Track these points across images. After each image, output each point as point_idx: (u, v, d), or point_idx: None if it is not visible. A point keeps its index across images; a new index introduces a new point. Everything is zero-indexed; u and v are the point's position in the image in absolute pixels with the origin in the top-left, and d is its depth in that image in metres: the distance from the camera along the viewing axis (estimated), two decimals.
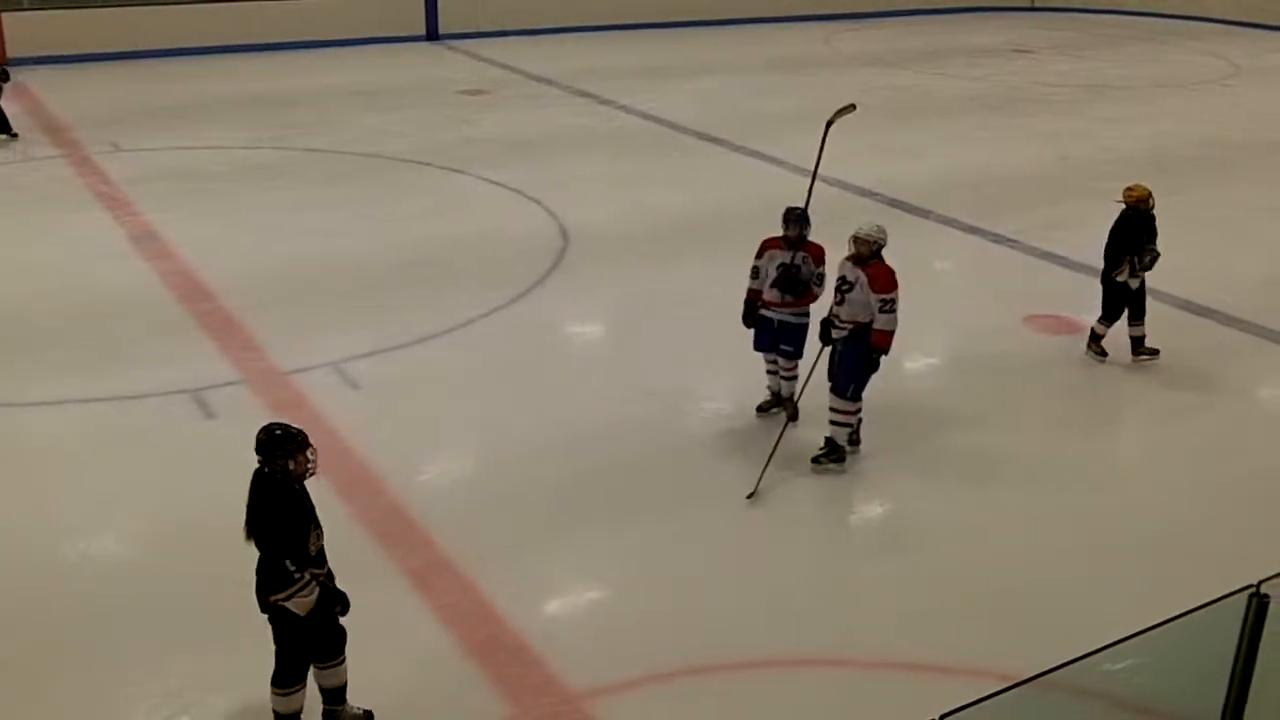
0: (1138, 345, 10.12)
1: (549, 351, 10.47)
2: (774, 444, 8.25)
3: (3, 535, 7.49)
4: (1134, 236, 9.79)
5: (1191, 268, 12.03)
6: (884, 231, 8.29)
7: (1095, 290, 10.19)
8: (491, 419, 9.10)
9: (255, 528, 5.61)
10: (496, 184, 14.93)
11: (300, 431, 5.60)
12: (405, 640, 6.58)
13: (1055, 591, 7.03)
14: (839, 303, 8.27)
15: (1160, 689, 5.26)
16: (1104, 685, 5.89)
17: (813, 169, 8.89)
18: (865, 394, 8.34)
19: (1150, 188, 9.85)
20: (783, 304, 8.75)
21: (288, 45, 23.57)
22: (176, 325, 10.65)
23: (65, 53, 21.83)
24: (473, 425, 9.09)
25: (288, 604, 5.55)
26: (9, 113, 16.58)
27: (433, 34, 25.30)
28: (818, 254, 8.74)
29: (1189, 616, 4.21)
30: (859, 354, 8.20)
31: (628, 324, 11.15)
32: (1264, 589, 4.25)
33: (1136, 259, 9.81)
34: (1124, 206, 9.83)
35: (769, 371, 9.10)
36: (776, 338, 8.89)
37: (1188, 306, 11.34)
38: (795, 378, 8.96)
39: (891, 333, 8.15)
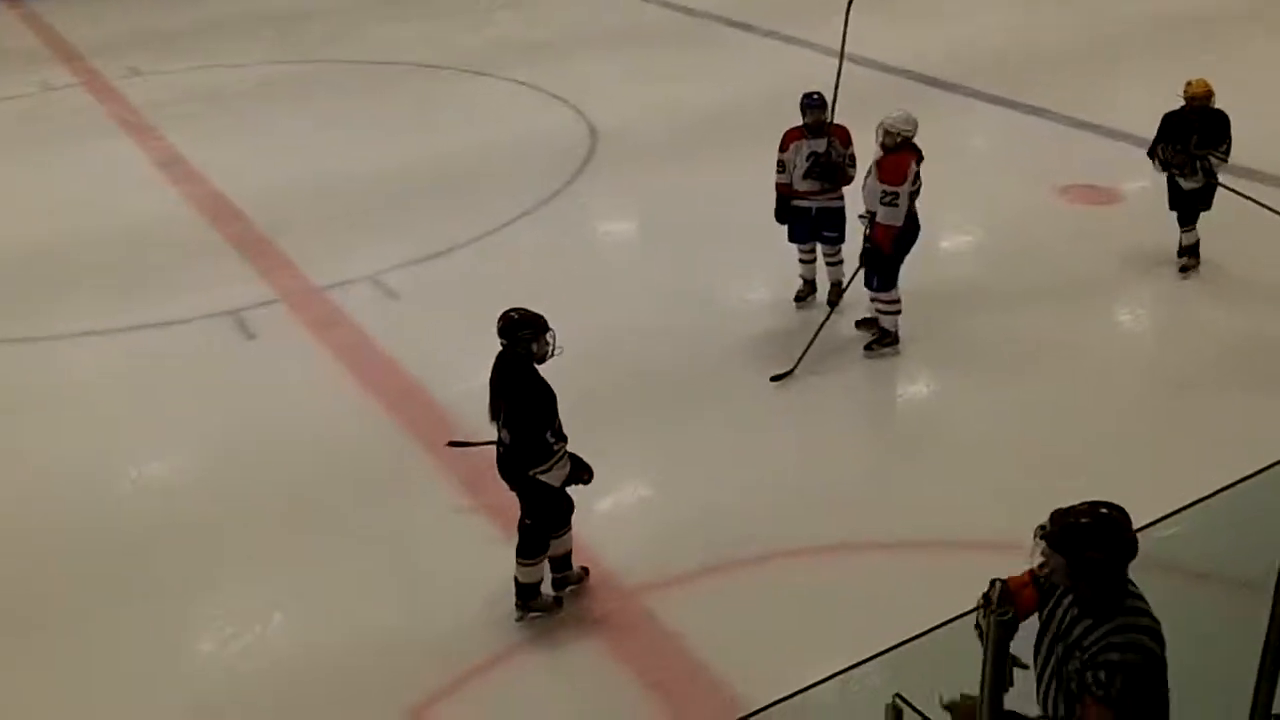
0: (1180, 250, 9.42)
1: (582, 254, 10.43)
2: (815, 331, 8.21)
3: (56, 467, 7.59)
4: (1178, 133, 9.03)
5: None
6: (911, 121, 7.97)
7: (1133, 157, 9.98)
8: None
9: (508, 407, 5.77)
10: (522, 84, 14.77)
11: (540, 315, 5.75)
12: (461, 543, 6.65)
13: (1103, 467, 6.93)
14: (865, 188, 8.15)
15: (1218, 554, 5.26)
16: (1162, 554, 5.92)
17: (839, 51, 8.69)
18: (902, 280, 8.23)
19: (1208, 80, 9.01)
20: (820, 191, 8.65)
21: None
22: (210, 248, 10.67)
23: None
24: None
25: (544, 476, 5.76)
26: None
27: None
28: (843, 136, 8.61)
29: (1239, 486, 4.19)
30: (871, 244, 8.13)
31: (660, 223, 11.06)
32: None
33: (1170, 153, 9.04)
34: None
35: (802, 261, 9.02)
36: (815, 226, 8.80)
37: (1231, 169, 11.14)
38: (841, 262, 8.89)
39: (890, 227, 7.93)
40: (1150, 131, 9.13)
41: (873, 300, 8.30)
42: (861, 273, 8.30)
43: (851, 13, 8.54)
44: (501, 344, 5.79)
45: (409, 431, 7.74)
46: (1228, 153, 9.03)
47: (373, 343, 8.86)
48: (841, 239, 8.81)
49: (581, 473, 5.92)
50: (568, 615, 6.08)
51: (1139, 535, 3.39)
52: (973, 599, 3.62)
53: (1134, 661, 3.46)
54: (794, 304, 9.06)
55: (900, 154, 7.93)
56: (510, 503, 6.03)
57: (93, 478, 7.47)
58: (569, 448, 5.79)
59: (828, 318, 8.43)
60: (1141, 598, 3.59)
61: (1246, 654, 4.48)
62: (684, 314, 9.01)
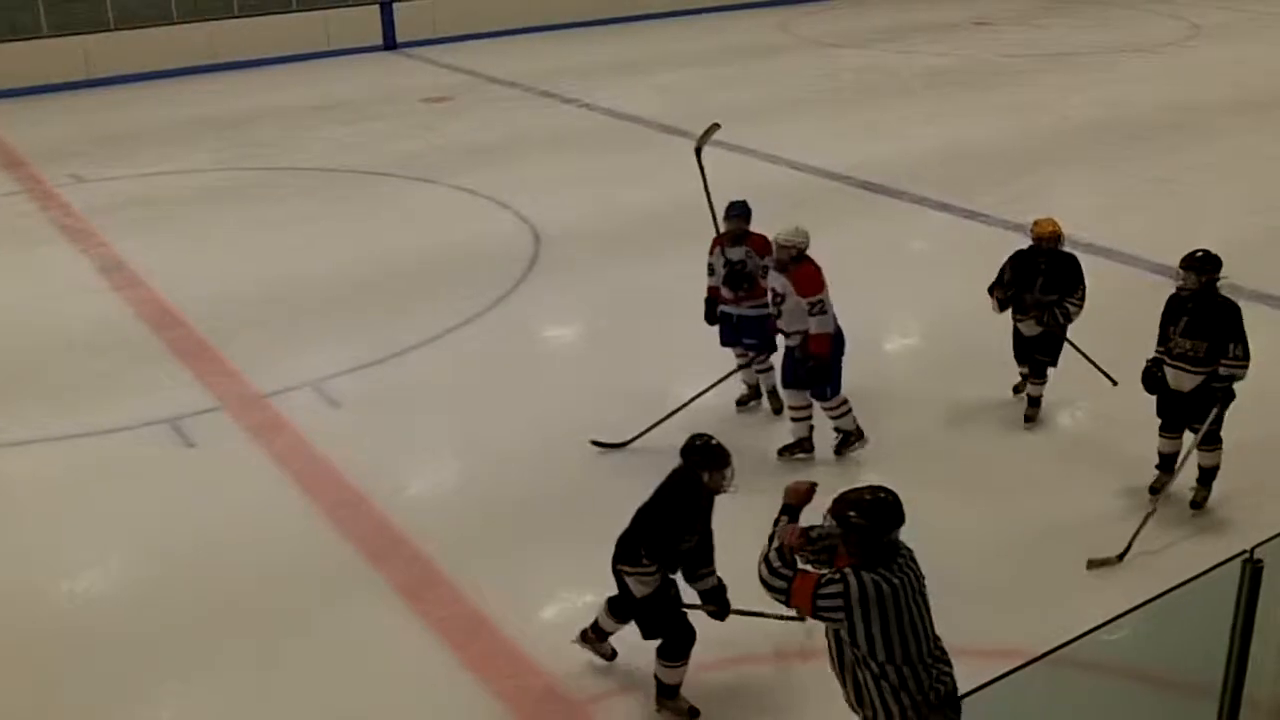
0: (1026, 396, 8.87)
1: (526, 358, 10.42)
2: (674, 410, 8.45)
3: None
4: (1024, 275, 8.45)
5: (1164, 233, 12.06)
6: (803, 233, 8.01)
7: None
8: (473, 429, 9.04)
9: (646, 506, 5.97)
10: (465, 191, 14.86)
11: (727, 451, 5.93)
12: (402, 655, 6.53)
13: (1049, 575, 6.99)
14: (777, 315, 8.16)
15: (1164, 657, 5.26)
16: (1110, 658, 5.91)
17: (704, 189, 8.98)
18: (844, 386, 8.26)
19: (1057, 221, 8.52)
20: (735, 299, 8.76)
21: (243, 64, 23.25)
22: (150, 354, 10.55)
23: (17, 86, 21.55)
24: (454, 437, 9.03)
25: (630, 578, 5.93)
26: None
27: (390, 43, 25.13)
28: (761, 246, 8.59)
29: (1187, 586, 4.21)
30: (806, 361, 8.08)
31: (604, 325, 11.10)
32: (1257, 554, 4.24)
33: (1003, 295, 8.50)
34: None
35: (740, 366, 9.07)
36: (737, 332, 8.90)
37: (1164, 270, 11.34)
38: (770, 369, 8.94)
39: (827, 335, 7.95)
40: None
41: (825, 410, 8.26)
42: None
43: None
44: (681, 460, 5.97)
45: (350, 540, 7.64)
46: (1082, 300, 8.42)
47: (314, 450, 8.75)
48: (765, 347, 8.84)
49: (672, 602, 5.96)
50: None
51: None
52: None
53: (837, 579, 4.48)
54: (735, 407, 9.09)
55: (804, 264, 7.96)
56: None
57: (26, 589, 7.30)
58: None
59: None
60: (906, 568, 4.59)
61: None
62: (628, 419, 8.97)
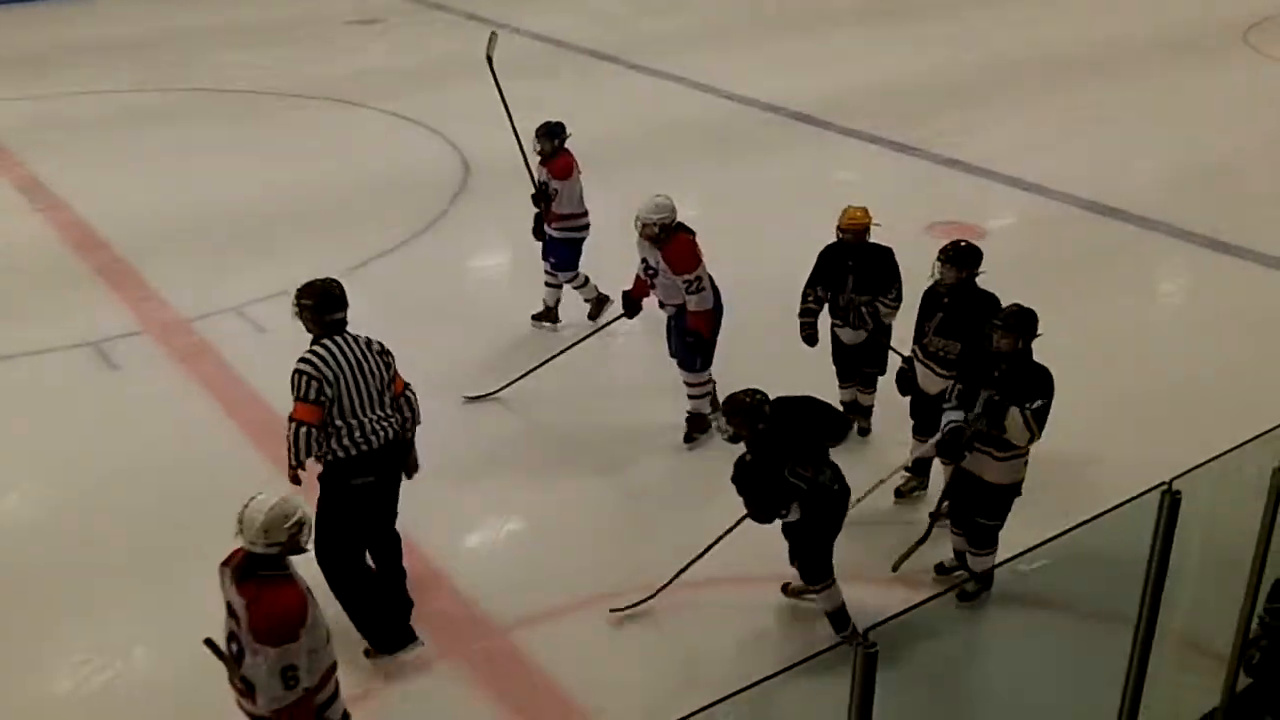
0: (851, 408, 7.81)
1: (453, 287, 10.38)
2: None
3: None
4: (833, 274, 7.46)
5: (1092, 169, 12.20)
6: (666, 208, 7.52)
7: (1000, 196, 10.14)
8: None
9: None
10: (394, 115, 14.67)
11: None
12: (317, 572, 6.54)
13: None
14: (653, 287, 7.81)
15: (1080, 589, 5.40)
16: (1026, 588, 6.06)
17: (502, 103, 9.36)
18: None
19: (865, 209, 7.43)
20: (546, 219, 9.13)
21: None
22: (73, 277, 10.38)
23: None
24: None
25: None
26: None
27: None
28: (558, 169, 8.96)
29: (1104, 517, 4.29)
30: (683, 335, 7.73)
31: (532, 255, 11.00)
32: (1175, 486, 4.33)
33: (814, 298, 7.52)
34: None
35: (547, 284, 9.48)
36: (545, 251, 9.35)
37: (1092, 206, 11.51)
38: (558, 286, 9.41)
39: (706, 312, 7.57)
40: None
41: (686, 384, 7.85)
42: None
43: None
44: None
45: (274, 464, 7.59)
46: (897, 300, 7.39)
47: (237, 375, 8.69)
48: (562, 268, 9.24)
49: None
50: (436, 654, 6.01)
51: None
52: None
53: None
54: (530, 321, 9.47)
55: (675, 238, 7.52)
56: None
57: None
58: None
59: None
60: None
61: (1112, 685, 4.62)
62: (540, 348, 8.91)
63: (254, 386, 8.53)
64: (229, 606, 4.62)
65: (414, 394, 6.06)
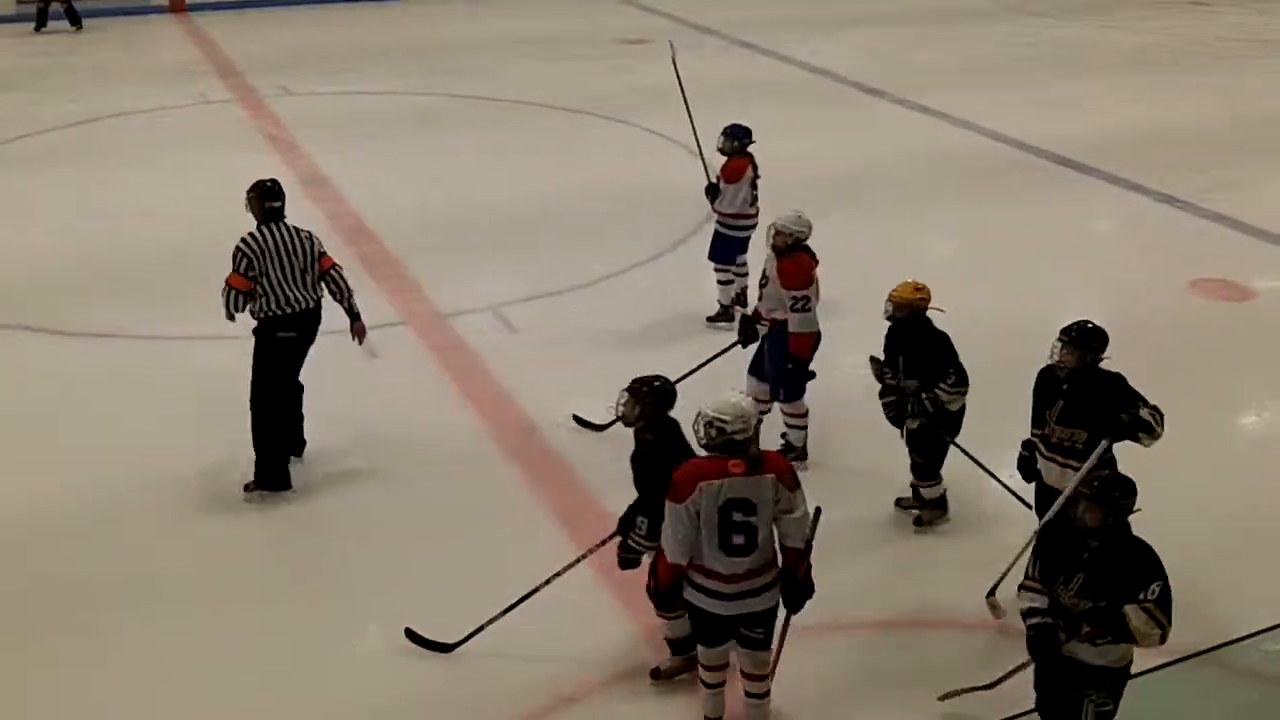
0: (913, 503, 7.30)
1: (696, 302, 10.51)
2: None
3: (189, 459, 7.88)
4: (887, 352, 6.99)
5: None
6: (804, 222, 7.61)
7: (1271, 256, 9.63)
8: (640, 367, 9.11)
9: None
10: (655, 134, 14.97)
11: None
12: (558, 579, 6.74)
13: (1214, 572, 6.68)
14: (760, 297, 7.85)
15: None
16: (1263, 666, 5.84)
17: (685, 106, 10.33)
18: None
19: (919, 284, 6.86)
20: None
21: None
22: (343, 266, 10.93)
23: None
24: (622, 373, 9.12)
25: None
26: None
27: None
28: (727, 171, 9.48)
29: None
30: (780, 356, 7.61)
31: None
32: None
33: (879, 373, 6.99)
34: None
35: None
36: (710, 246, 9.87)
37: None
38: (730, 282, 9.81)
39: (808, 335, 7.50)
40: None
41: (784, 413, 7.79)
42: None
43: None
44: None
45: (518, 463, 7.93)
46: (959, 385, 6.73)
47: (488, 373, 9.05)
48: (712, 255, 9.76)
49: None
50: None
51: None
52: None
53: None
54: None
55: (798, 255, 7.56)
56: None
57: (223, 477, 7.72)
58: None
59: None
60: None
61: None
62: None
63: (503, 385, 8.87)
64: None
65: (339, 270, 7.67)
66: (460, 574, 6.82)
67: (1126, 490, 4.83)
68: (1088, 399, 5.94)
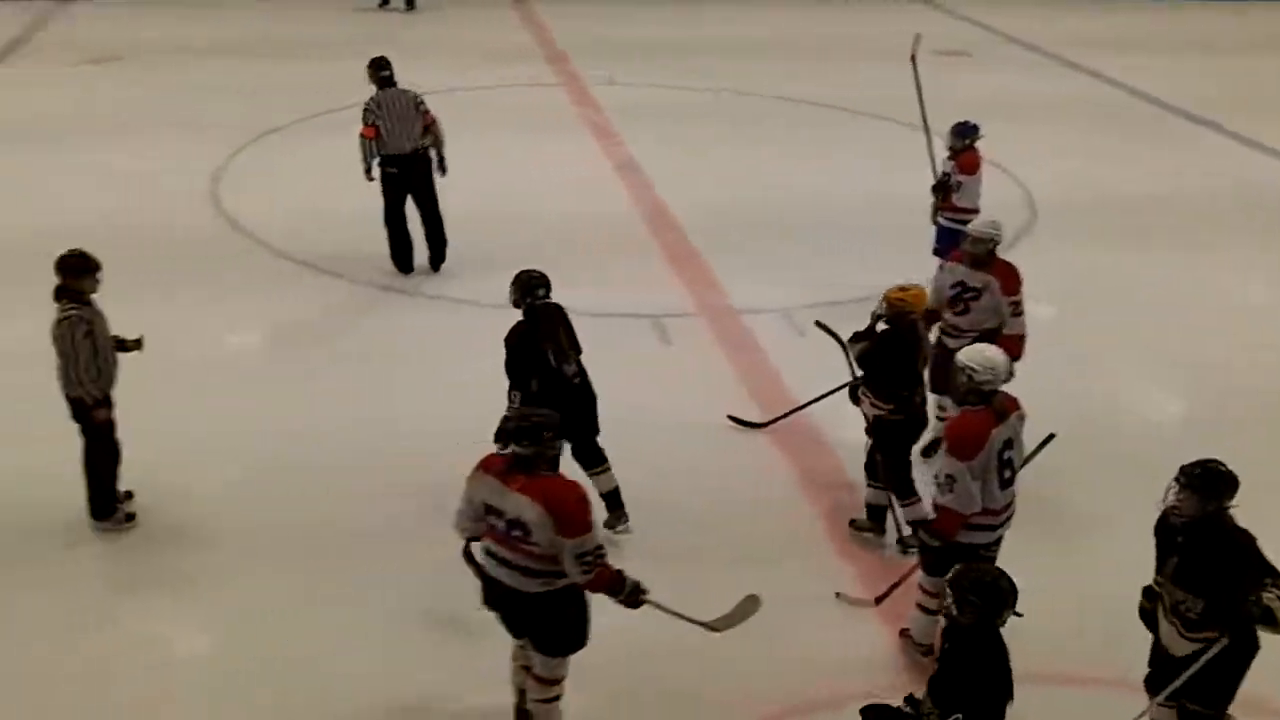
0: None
1: None
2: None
3: (446, 420, 8.20)
4: (890, 360, 7.06)
5: None
6: (999, 226, 7.79)
7: None
8: None
9: None
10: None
11: None
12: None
13: None
14: (961, 312, 7.71)
15: None
16: None
17: (919, 100, 10.34)
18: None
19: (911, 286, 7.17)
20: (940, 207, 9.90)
21: None
22: (645, 253, 11.47)
23: None
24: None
25: None
26: None
27: None
28: (963, 164, 9.74)
29: None
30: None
31: (1078, 303, 10.77)
32: None
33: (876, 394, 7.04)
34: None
35: None
36: (936, 240, 10.00)
37: None
38: None
39: (1024, 338, 7.58)
40: None
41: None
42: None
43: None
44: None
45: (794, 468, 8.14)
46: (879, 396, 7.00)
47: (775, 374, 9.26)
48: (939, 252, 9.64)
49: None
50: None
51: None
52: None
53: None
54: None
55: (1001, 260, 7.73)
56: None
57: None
58: None
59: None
60: None
61: None
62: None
63: (786, 385, 9.03)
64: None
65: (436, 121, 10.45)
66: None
67: (1228, 481, 4.87)
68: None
